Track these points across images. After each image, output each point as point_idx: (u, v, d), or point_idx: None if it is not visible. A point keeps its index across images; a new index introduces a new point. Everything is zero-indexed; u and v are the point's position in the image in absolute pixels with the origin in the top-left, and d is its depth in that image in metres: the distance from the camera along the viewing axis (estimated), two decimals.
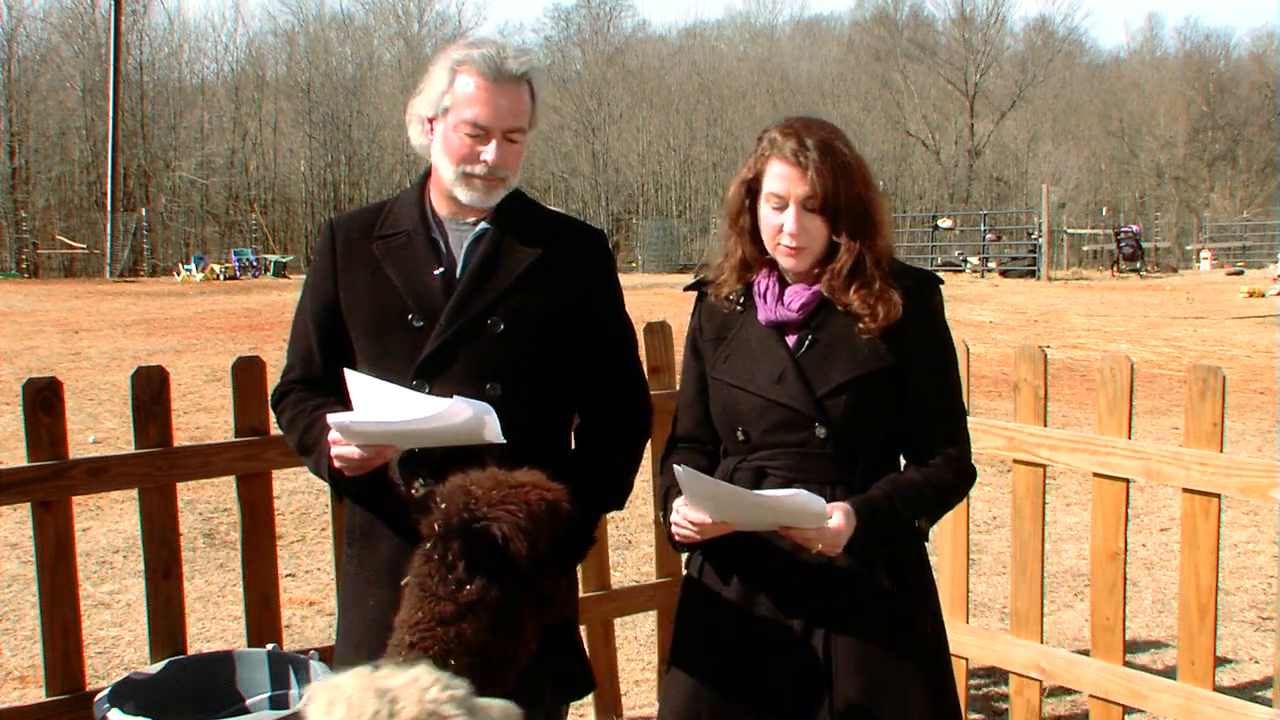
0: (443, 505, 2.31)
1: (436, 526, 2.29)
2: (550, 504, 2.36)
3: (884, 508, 2.63)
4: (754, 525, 2.67)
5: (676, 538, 2.72)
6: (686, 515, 2.63)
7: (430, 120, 2.84)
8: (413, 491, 2.37)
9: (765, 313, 2.76)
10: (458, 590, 2.26)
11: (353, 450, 2.64)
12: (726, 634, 2.77)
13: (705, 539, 2.68)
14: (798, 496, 2.54)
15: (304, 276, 3.28)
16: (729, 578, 2.79)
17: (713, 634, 2.80)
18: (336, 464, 2.70)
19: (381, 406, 2.60)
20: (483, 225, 2.85)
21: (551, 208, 3.16)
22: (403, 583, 2.40)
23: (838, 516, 2.55)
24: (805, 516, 2.55)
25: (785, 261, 2.74)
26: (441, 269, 2.82)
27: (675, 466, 2.57)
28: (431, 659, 2.20)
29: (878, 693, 2.66)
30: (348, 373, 2.69)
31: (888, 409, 2.72)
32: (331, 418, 2.62)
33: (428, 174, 2.94)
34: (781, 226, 2.69)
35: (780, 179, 2.68)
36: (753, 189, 2.76)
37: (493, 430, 2.54)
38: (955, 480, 2.77)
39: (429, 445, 2.69)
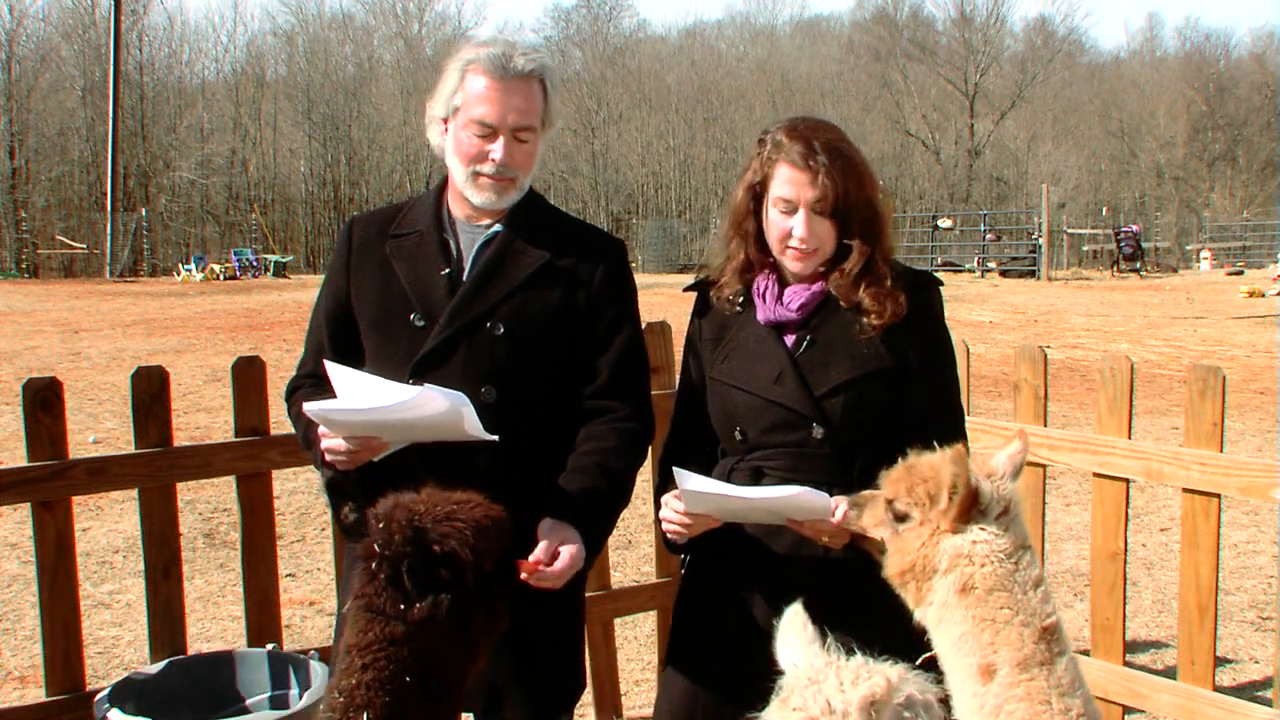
0: (381, 525, 2.26)
1: (378, 546, 2.24)
2: (494, 519, 2.33)
3: None
4: (754, 521, 2.68)
5: (668, 534, 2.74)
6: (675, 510, 2.65)
7: (444, 121, 2.84)
8: (342, 518, 2.35)
9: (764, 313, 2.76)
10: (408, 609, 2.22)
11: (339, 443, 2.64)
12: (722, 631, 2.77)
13: (694, 534, 2.70)
14: (803, 495, 2.54)
15: (305, 276, 3.28)
16: (723, 576, 2.79)
17: (708, 631, 2.81)
18: (327, 457, 2.70)
19: (358, 395, 2.61)
20: (495, 228, 2.84)
21: (571, 215, 3.13)
22: (344, 609, 2.36)
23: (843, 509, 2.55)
24: (810, 512, 2.55)
25: (793, 265, 2.74)
26: (448, 270, 2.81)
27: (675, 470, 2.57)
28: (385, 679, 2.20)
29: None
30: (328, 364, 2.69)
31: (886, 409, 2.71)
32: (308, 405, 2.63)
33: (448, 176, 2.93)
34: (790, 231, 2.67)
35: (789, 183, 2.67)
36: (758, 193, 2.74)
37: (472, 424, 2.52)
38: None
39: (414, 439, 2.68)
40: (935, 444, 2.74)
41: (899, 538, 2.39)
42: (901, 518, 2.39)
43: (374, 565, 2.24)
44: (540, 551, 2.57)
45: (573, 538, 2.63)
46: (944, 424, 2.76)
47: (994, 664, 2.25)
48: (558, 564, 2.58)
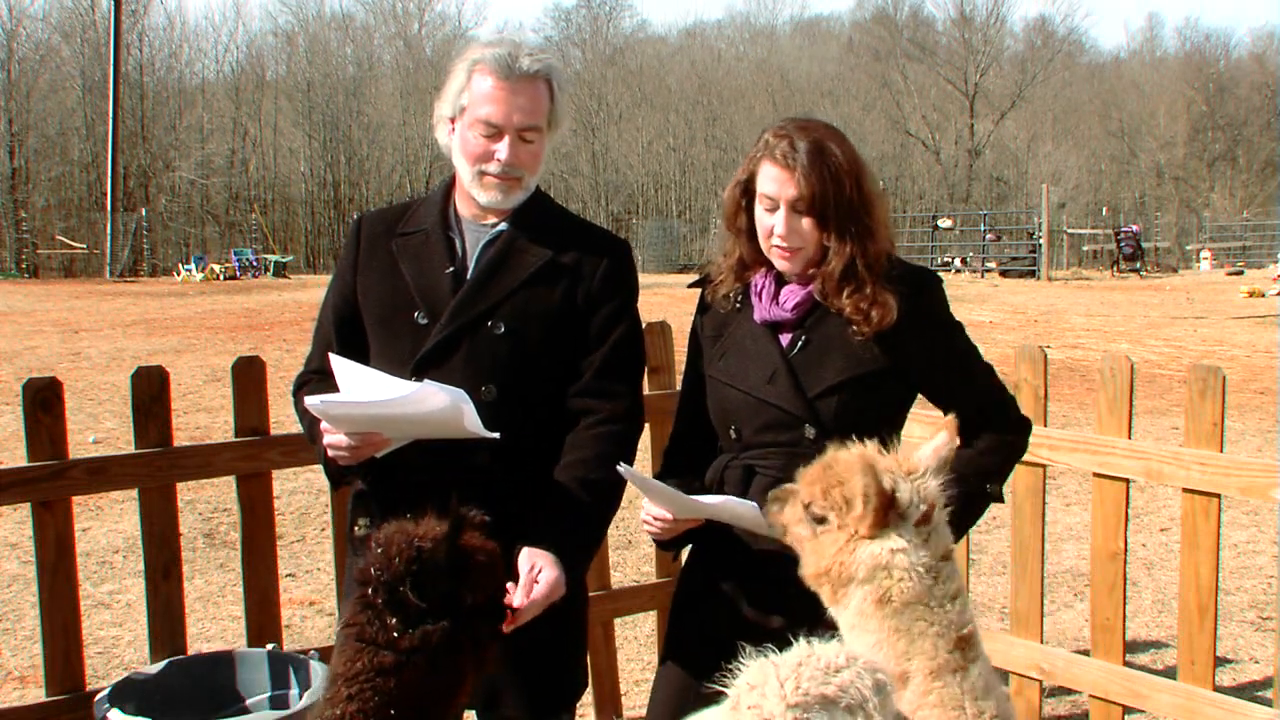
0: (380, 550, 2.26)
1: (375, 570, 2.23)
2: (490, 553, 2.34)
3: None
4: (718, 519, 2.73)
5: (648, 534, 2.79)
6: (650, 511, 2.72)
7: (451, 120, 2.85)
8: (355, 530, 2.34)
9: (760, 312, 2.77)
10: (399, 637, 2.20)
11: (341, 438, 2.65)
12: (713, 628, 2.79)
13: (676, 533, 2.75)
14: (728, 502, 2.62)
15: (305, 276, 3.29)
16: (715, 572, 2.82)
17: (700, 627, 2.83)
18: (330, 453, 2.71)
19: (360, 388, 2.62)
20: (500, 227, 2.85)
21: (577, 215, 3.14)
22: (337, 632, 2.36)
23: None
24: (738, 520, 2.62)
25: (779, 263, 2.76)
26: (452, 268, 2.82)
27: (618, 467, 2.64)
28: (370, 710, 2.18)
29: None
30: (332, 357, 2.70)
31: (880, 410, 2.72)
32: (309, 399, 2.64)
33: (455, 174, 2.94)
34: (773, 229, 2.70)
35: (771, 181, 2.69)
36: (748, 190, 2.77)
37: (472, 420, 2.53)
38: (1012, 437, 2.83)
39: (415, 435, 2.69)
40: (980, 415, 2.75)
41: (816, 540, 2.32)
42: (819, 520, 2.32)
43: (370, 590, 2.24)
44: (518, 591, 2.57)
45: (550, 564, 2.62)
46: (978, 395, 2.80)
47: (907, 671, 2.21)
48: (535, 593, 2.58)
